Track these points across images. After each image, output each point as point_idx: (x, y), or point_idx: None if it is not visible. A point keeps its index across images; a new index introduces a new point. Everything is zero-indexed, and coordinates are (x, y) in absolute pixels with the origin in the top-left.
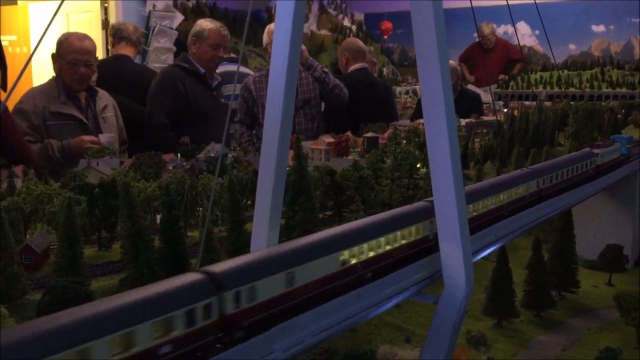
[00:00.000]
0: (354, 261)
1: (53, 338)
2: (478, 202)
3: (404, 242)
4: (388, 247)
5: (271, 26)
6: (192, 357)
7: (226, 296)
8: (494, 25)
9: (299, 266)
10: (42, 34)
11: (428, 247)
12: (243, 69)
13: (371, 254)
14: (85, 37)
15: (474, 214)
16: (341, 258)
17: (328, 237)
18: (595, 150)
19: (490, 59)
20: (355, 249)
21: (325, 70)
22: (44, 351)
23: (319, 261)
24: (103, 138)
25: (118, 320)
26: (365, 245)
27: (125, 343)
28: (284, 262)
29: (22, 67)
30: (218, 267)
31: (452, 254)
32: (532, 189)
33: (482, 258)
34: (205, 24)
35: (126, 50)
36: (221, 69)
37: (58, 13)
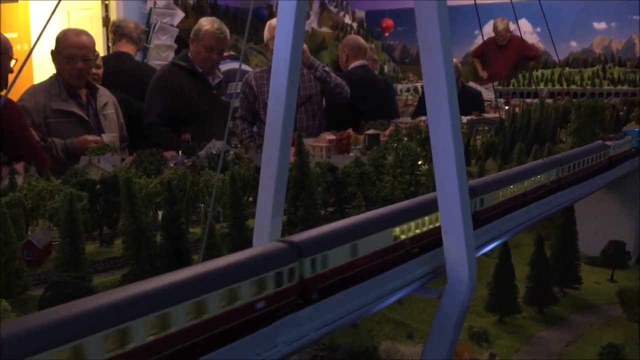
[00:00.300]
0: (403, 237)
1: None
2: (506, 187)
3: None
4: (431, 226)
5: (272, 21)
6: (277, 315)
7: (305, 262)
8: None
9: (361, 239)
10: (41, 30)
11: None
12: (245, 67)
13: (417, 231)
14: (82, 32)
15: (502, 198)
16: (394, 234)
17: (384, 214)
18: (608, 143)
19: (503, 56)
20: (405, 226)
21: (327, 69)
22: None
23: (377, 235)
24: (106, 138)
25: (225, 278)
26: (412, 223)
27: (229, 298)
28: (349, 234)
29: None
30: (297, 237)
31: (455, 248)
32: (553, 178)
33: (484, 254)
34: (204, 23)
35: (127, 48)
36: (223, 67)
37: (59, 11)
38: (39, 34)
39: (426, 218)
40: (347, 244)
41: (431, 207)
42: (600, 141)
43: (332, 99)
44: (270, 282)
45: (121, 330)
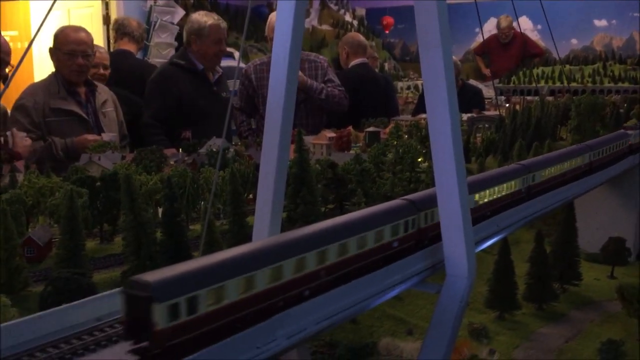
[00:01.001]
0: (481, 202)
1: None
2: (551, 167)
3: (509, 192)
4: (497, 195)
5: (274, 15)
6: (402, 254)
7: (421, 215)
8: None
9: None
10: (38, 26)
11: (520, 198)
12: (243, 66)
13: (490, 198)
14: (80, 28)
15: (548, 176)
16: (475, 199)
17: (472, 182)
18: (629, 132)
19: (507, 53)
20: (482, 193)
21: (323, 97)
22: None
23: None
24: (106, 137)
25: (375, 222)
26: (487, 191)
27: (377, 238)
28: None
29: (24, 62)
30: (413, 197)
31: (454, 243)
32: (585, 161)
33: (484, 251)
34: (203, 19)
35: (128, 46)
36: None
37: (60, 9)
38: (36, 31)
39: (496, 188)
40: None
41: (502, 179)
42: (622, 130)
43: (332, 111)
44: (401, 227)
45: (300, 260)
